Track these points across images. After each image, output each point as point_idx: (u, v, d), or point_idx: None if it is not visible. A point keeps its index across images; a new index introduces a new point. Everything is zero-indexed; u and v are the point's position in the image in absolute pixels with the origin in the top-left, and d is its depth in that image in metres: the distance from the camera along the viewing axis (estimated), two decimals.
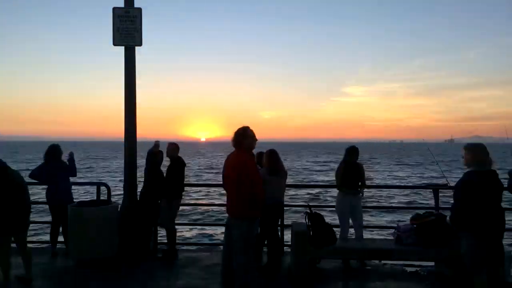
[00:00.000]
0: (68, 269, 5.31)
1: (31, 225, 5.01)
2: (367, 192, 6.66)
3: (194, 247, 7.43)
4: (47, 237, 6.29)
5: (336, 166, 5.99)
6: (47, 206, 6.04)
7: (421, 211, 5.44)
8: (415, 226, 5.12)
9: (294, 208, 11.11)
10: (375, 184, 24.88)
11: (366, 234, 6.51)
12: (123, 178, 6.02)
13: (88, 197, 13.85)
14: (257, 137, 4.22)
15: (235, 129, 4.16)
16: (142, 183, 6.06)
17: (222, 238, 10.59)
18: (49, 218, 6.14)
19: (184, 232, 11.83)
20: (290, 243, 5.41)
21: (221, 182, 4.37)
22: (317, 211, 5.28)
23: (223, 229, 4.58)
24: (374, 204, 17.51)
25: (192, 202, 19.35)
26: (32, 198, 5.11)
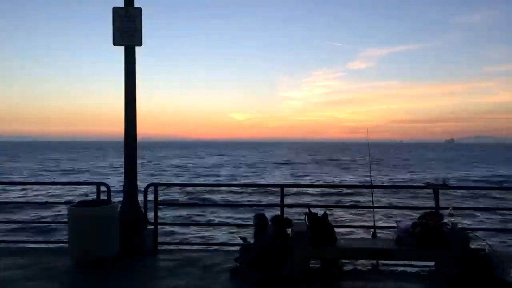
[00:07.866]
0: (68, 269, 5.32)
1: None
2: (367, 192, 6.64)
3: (194, 247, 7.42)
4: (47, 237, 6.28)
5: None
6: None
7: (421, 211, 5.43)
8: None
9: (294, 208, 11.07)
10: (374, 184, 24.83)
11: (365, 234, 6.50)
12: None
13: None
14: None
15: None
16: None
17: (221, 239, 10.65)
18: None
19: (184, 232, 11.84)
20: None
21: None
22: (320, 211, 5.26)
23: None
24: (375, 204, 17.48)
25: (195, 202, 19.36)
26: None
